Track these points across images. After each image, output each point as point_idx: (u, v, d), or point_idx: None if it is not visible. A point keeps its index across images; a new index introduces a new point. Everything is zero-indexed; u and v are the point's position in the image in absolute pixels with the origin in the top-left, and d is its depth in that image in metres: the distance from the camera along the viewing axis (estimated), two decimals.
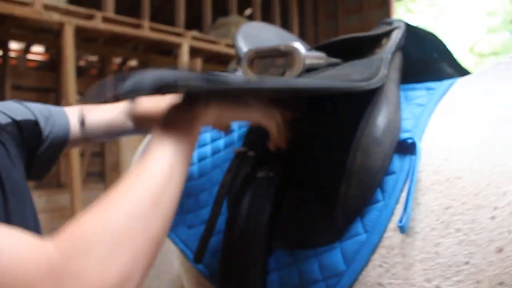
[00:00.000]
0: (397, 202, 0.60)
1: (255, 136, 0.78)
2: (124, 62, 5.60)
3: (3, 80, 4.53)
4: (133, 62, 5.65)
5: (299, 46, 0.70)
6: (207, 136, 0.90)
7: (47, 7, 3.41)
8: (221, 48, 4.66)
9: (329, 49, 0.79)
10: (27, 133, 0.74)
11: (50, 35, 4.40)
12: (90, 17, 3.69)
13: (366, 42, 0.79)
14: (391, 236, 0.59)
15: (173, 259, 0.94)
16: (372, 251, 0.59)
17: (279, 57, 0.72)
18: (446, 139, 0.62)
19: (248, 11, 6.33)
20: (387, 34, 0.74)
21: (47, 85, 4.98)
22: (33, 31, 4.38)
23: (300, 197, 0.69)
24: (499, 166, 0.55)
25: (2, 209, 0.59)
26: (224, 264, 0.71)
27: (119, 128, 0.89)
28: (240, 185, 0.71)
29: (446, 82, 0.72)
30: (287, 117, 0.75)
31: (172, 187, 0.51)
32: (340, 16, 6.26)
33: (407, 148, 0.62)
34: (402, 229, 0.56)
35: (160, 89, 0.51)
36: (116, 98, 0.55)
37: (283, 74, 0.71)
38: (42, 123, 0.77)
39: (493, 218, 0.53)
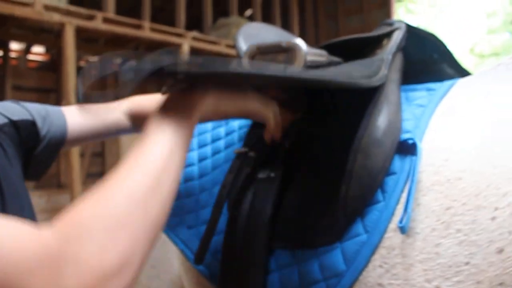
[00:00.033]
0: (397, 202, 0.60)
1: (256, 137, 0.78)
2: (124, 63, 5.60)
3: (3, 81, 4.54)
4: (133, 63, 5.65)
5: (301, 43, 0.70)
6: (207, 136, 0.90)
7: (47, 8, 3.41)
8: (221, 48, 4.66)
9: (330, 50, 0.79)
10: (24, 133, 0.74)
11: (50, 36, 4.41)
12: (90, 18, 3.69)
13: (367, 43, 0.79)
14: (392, 236, 0.59)
15: (173, 259, 0.94)
16: (373, 252, 0.59)
17: (280, 53, 0.72)
18: (446, 140, 0.62)
19: (248, 12, 6.34)
20: (388, 35, 0.74)
21: (47, 86, 4.99)
22: (33, 31, 4.39)
23: (300, 197, 0.69)
24: (500, 167, 0.55)
25: (0, 209, 0.59)
26: (224, 264, 0.71)
27: (116, 126, 0.89)
28: (241, 185, 0.72)
29: (447, 83, 0.72)
30: (288, 118, 0.75)
31: (171, 171, 0.51)
32: (340, 17, 6.27)
33: (407, 148, 0.62)
34: (403, 229, 0.56)
35: (159, 71, 0.50)
36: (114, 77, 0.55)
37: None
38: (39, 123, 0.77)
39: (493, 218, 0.53)
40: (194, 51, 4.38)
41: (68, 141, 0.82)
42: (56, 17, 3.44)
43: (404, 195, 0.60)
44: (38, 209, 0.69)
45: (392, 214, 0.60)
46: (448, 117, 0.65)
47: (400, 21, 0.78)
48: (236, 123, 0.88)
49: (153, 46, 4.43)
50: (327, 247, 0.62)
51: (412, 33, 0.77)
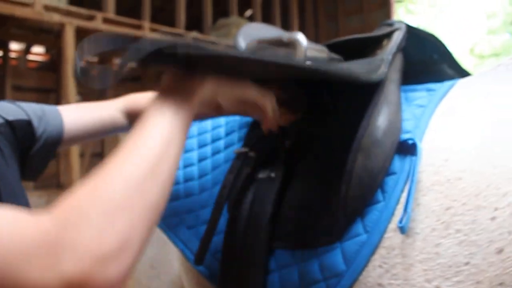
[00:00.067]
0: (397, 202, 0.60)
1: (256, 137, 0.78)
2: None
3: (3, 81, 4.53)
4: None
5: (301, 37, 0.70)
6: (207, 136, 0.90)
7: (47, 8, 3.41)
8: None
9: (330, 50, 0.79)
10: (20, 133, 0.74)
11: (50, 36, 4.41)
12: (90, 18, 3.69)
13: (367, 43, 0.79)
14: (392, 236, 0.59)
15: (173, 260, 0.94)
16: (373, 252, 0.59)
17: (281, 47, 0.72)
18: (446, 140, 0.62)
19: (248, 12, 6.33)
20: (388, 35, 0.74)
21: (47, 86, 4.99)
22: (33, 31, 4.38)
23: (300, 197, 0.69)
24: (500, 167, 0.55)
25: None
26: (224, 264, 0.71)
27: (113, 124, 0.89)
28: (241, 185, 0.72)
29: (447, 84, 0.72)
30: (288, 118, 0.75)
31: (171, 155, 0.51)
32: (340, 17, 6.28)
33: (407, 149, 0.62)
34: (403, 229, 0.56)
35: (159, 52, 0.50)
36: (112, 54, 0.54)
37: None
38: (35, 122, 0.76)
39: (493, 219, 0.53)
40: None
41: (65, 140, 0.82)
42: (56, 18, 3.44)
43: (404, 195, 0.60)
44: (38, 209, 0.69)
45: (392, 214, 0.60)
46: (448, 117, 0.65)
47: (400, 22, 0.78)
48: (236, 124, 0.88)
49: None
50: (327, 247, 0.62)
51: (412, 33, 0.77)
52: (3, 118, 0.72)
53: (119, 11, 4.07)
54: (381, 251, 0.59)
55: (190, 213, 0.83)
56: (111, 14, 3.90)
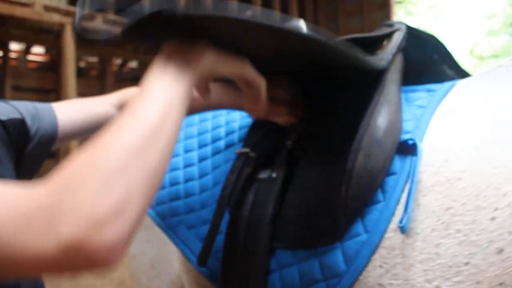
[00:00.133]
0: (397, 202, 0.60)
1: (256, 137, 0.78)
2: (124, 63, 5.61)
3: (3, 81, 4.53)
4: (133, 64, 5.65)
5: (302, 25, 0.70)
6: (207, 136, 0.90)
7: (47, 8, 3.41)
8: None
9: None
10: (13, 132, 0.73)
11: (50, 36, 4.41)
12: (91, 18, 3.69)
13: (368, 43, 0.79)
14: (392, 236, 0.59)
15: (174, 260, 0.94)
16: (373, 252, 0.60)
17: None
18: (446, 141, 0.62)
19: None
20: (388, 35, 0.74)
21: (47, 86, 4.98)
22: (33, 32, 4.39)
23: (300, 198, 0.69)
24: (500, 167, 0.55)
25: None
26: (225, 264, 0.71)
27: (108, 120, 0.88)
28: (242, 186, 0.72)
29: (447, 84, 0.72)
30: (289, 118, 0.76)
31: (170, 120, 0.50)
32: (340, 18, 6.27)
33: (408, 149, 0.63)
34: (403, 229, 0.56)
35: (159, 13, 0.50)
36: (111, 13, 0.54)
37: None
38: (28, 121, 0.76)
39: (493, 219, 0.53)
40: None
41: (60, 137, 0.81)
42: (56, 18, 3.44)
43: (404, 195, 0.60)
44: None
45: (392, 214, 0.60)
46: (448, 117, 0.65)
47: (401, 22, 0.78)
48: (236, 124, 0.89)
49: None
50: (328, 247, 0.62)
51: (413, 34, 0.77)
52: None
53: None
54: (381, 251, 0.59)
55: (190, 213, 0.83)
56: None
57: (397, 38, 0.73)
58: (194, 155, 0.89)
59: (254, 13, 0.59)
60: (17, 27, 4.07)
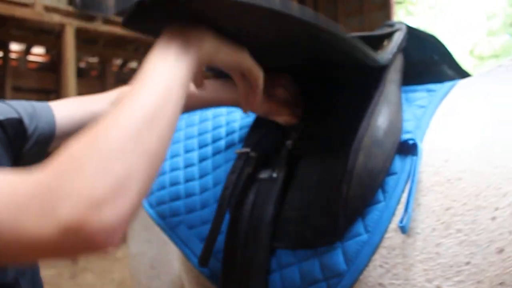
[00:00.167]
0: (398, 202, 0.60)
1: (257, 137, 0.78)
2: (124, 64, 5.62)
3: (3, 81, 4.54)
4: (133, 64, 5.65)
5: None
6: (208, 136, 0.91)
7: (48, 9, 3.42)
8: None
9: None
10: (11, 131, 0.73)
11: (50, 37, 4.42)
12: (91, 19, 3.69)
13: (368, 43, 0.79)
14: (392, 236, 0.59)
15: (174, 260, 0.94)
16: (373, 252, 0.60)
17: None
18: (447, 141, 0.62)
19: None
20: (389, 35, 0.75)
21: (47, 86, 4.99)
22: (33, 32, 4.39)
23: (301, 198, 0.69)
24: (500, 167, 0.55)
25: None
26: (226, 264, 0.71)
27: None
28: (242, 186, 0.72)
29: (447, 84, 0.72)
30: (290, 119, 0.76)
31: (171, 102, 0.50)
32: (341, 18, 6.28)
33: (408, 149, 0.63)
34: (403, 229, 0.57)
35: None
36: None
37: None
38: (26, 120, 0.76)
39: (493, 218, 0.53)
40: None
41: (58, 136, 0.81)
42: (56, 18, 3.44)
43: (405, 195, 0.60)
44: None
45: (393, 214, 0.60)
46: (449, 117, 0.65)
47: (401, 23, 0.78)
48: (237, 124, 0.89)
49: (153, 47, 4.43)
50: (328, 247, 0.63)
51: (413, 34, 0.77)
52: None
53: (119, 12, 4.06)
54: (381, 251, 0.59)
55: (191, 213, 0.83)
56: (111, 15, 3.91)
57: (398, 38, 0.73)
58: (195, 155, 0.89)
59: None
60: (18, 28, 4.08)
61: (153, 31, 0.57)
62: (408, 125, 0.66)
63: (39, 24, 3.61)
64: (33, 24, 3.72)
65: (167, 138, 0.49)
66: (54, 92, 4.85)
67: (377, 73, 0.68)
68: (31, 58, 5.63)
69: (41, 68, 5.63)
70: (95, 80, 5.29)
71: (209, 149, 0.88)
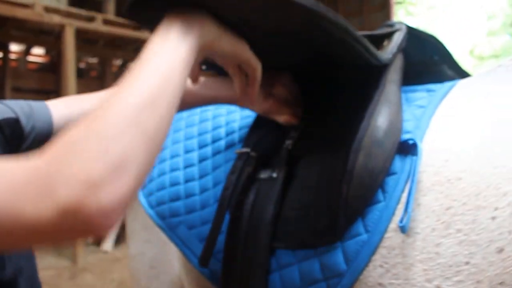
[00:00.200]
0: (398, 202, 0.60)
1: (257, 137, 0.78)
2: (124, 64, 5.61)
3: (3, 82, 4.54)
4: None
5: None
6: (207, 137, 0.91)
7: (47, 9, 3.42)
8: None
9: None
10: (8, 131, 0.73)
11: (50, 37, 4.42)
12: (90, 19, 3.70)
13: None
14: (392, 236, 0.59)
15: (173, 260, 0.94)
16: (373, 251, 0.60)
17: None
18: (447, 141, 0.62)
19: None
20: (389, 35, 0.75)
21: (47, 87, 4.99)
22: (33, 33, 4.39)
23: (301, 197, 0.69)
24: (499, 167, 0.55)
25: None
26: (226, 264, 0.71)
27: None
28: (242, 186, 0.72)
29: (447, 84, 0.72)
30: (290, 120, 0.76)
31: (171, 86, 0.50)
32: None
33: (408, 149, 0.63)
34: (403, 229, 0.57)
35: None
36: None
37: None
38: (23, 120, 0.76)
39: (493, 218, 0.53)
40: None
41: (55, 135, 0.81)
42: (56, 19, 3.44)
43: (405, 195, 0.60)
44: None
45: (393, 214, 0.60)
46: (448, 117, 0.65)
47: (401, 23, 0.78)
48: (236, 124, 0.89)
49: None
50: (328, 246, 0.63)
51: (413, 34, 0.78)
52: None
53: (119, 12, 4.07)
54: (381, 251, 0.59)
55: (190, 213, 0.83)
56: (111, 15, 3.91)
57: (398, 38, 0.73)
58: (194, 156, 0.90)
59: None
60: (18, 28, 4.08)
61: (154, 22, 0.57)
62: (408, 125, 0.66)
63: (39, 24, 3.61)
64: (33, 25, 3.72)
65: (167, 121, 0.49)
66: (54, 92, 4.85)
67: (377, 73, 0.68)
68: (31, 58, 5.63)
69: (41, 68, 5.63)
70: (95, 81, 5.29)
71: (209, 150, 0.89)
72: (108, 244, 4.11)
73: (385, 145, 0.63)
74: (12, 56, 5.05)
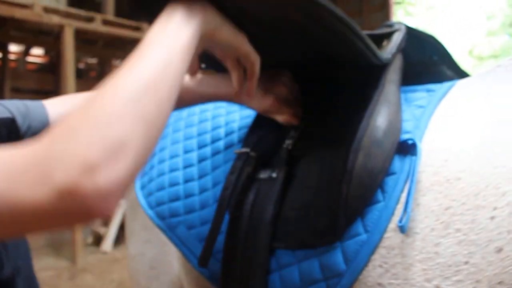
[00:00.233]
0: (397, 202, 0.60)
1: (256, 137, 0.78)
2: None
3: (2, 83, 4.54)
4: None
5: None
6: (207, 137, 0.91)
7: (47, 10, 3.42)
8: None
9: None
10: (4, 131, 0.73)
11: (50, 38, 4.42)
12: (90, 20, 3.69)
13: None
14: (391, 236, 0.59)
15: (173, 261, 0.94)
16: (373, 251, 0.60)
17: None
18: (446, 141, 0.62)
19: None
20: (388, 36, 0.75)
21: (46, 87, 4.99)
22: (33, 33, 4.39)
23: (300, 198, 0.69)
24: (499, 167, 0.55)
25: None
26: (225, 265, 0.71)
27: None
28: (242, 186, 0.72)
29: (446, 84, 0.72)
30: (291, 119, 0.76)
31: (172, 69, 0.50)
32: None
33: (407, 149, 0.63)
34: (402, 229, 0.57)
35: None
36: None
37: None
38: (19, 119, 0.76)
39: (492, 218, 0.53)
40: None
41: None
42: (55, 19, 3.44)
43: (404, 195, 0.60)
44: None
45: (392, 214, 0.60)
46: (448, 117, 0.65)
47: (400, 23, 0.78)
48: (236, 124, 0.89)
49: None
50: (328, 247, 0.63)
51: (412, 34, 0.78)
52: None
53: (118, 12, 4.07)
54: (381, 251, 0.59)
55: (190, 213, 0.83)
56: (110, 15, 3.91)
57: (397, 38, 0.73)
58: (194, 156, 0.90)
59: None
60: (17, 29, 4.08)
61: (155, 15, 0.57)
62: (407, 125, 0.66)
63: (38, 25, 3.61)
64: (32, 25, 3.73)
65: (168, 106, 0.49)
66: (53, 93, 4.85)
67: (377, 73, 0.68)
68: (30, 59, 5.63)
69: (40, 69, 5.64)
70: (94, 81, 5.30)
71: (208, 150, 0.89)
72: (107, 244, 4.11)
73: (385, 145, 0.63)
74: (11, 57, 5.05)
